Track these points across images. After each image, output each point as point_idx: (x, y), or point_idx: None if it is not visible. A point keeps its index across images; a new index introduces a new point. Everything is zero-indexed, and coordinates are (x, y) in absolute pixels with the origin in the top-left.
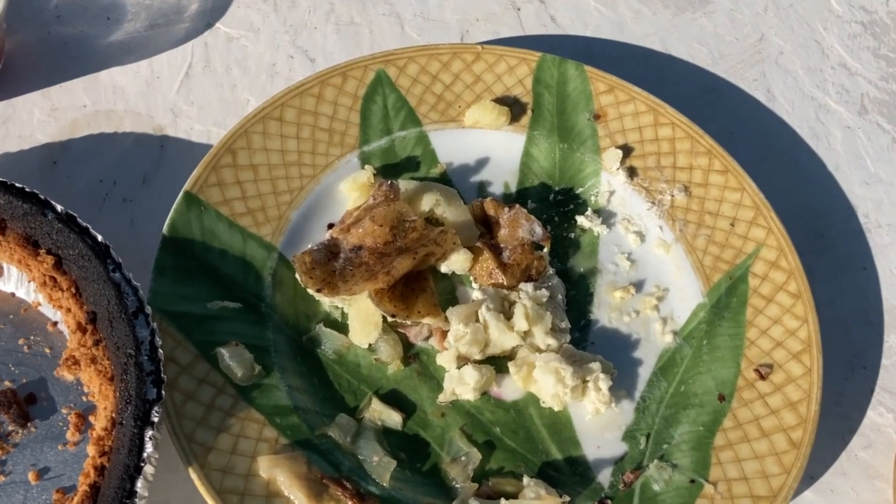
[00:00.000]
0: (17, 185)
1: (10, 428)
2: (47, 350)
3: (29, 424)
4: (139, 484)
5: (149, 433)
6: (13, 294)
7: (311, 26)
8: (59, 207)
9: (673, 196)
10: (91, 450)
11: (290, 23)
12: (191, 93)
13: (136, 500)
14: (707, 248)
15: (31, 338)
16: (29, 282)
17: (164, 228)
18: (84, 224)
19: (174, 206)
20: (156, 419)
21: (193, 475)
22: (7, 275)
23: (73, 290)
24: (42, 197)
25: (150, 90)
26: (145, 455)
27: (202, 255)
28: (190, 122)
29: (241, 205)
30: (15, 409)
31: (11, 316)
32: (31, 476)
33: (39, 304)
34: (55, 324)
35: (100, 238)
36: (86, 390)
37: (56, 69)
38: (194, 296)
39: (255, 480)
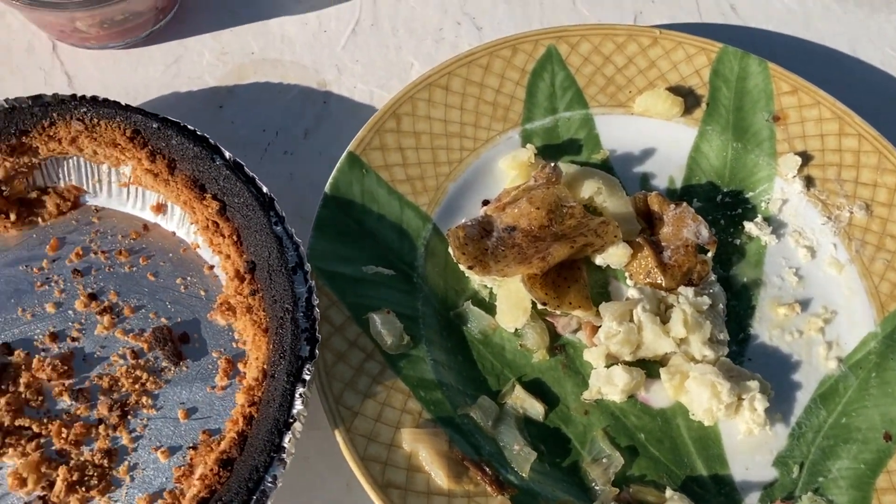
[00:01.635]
0: (188, 126)
1: (164, 364)
2: (202, 292)
3: (181, 363)
4: (287, 439)
5: (300, 390)
6: (173, 233)
7: None
8: (227, 154)
9: (852, 213)
10: (240, 398)
11: None
12: (357, 50)
13: (284, 454)
14: (885, 274)
15: (188, 278)
16: (191, 223)
17: (327, 187)
18: (251, 174)
19: (338, 165)
20: (307, 377)
21: (339, 438)
22: (170, 213)
23: (234, 237)
24: (212, 142)
25: (316, 43)
26: (295, 411)
27: (360, 217)
28: (354, 80)
29: (401, 171)
30: (170, 346)
31: (171, 254)
32: (180, 414)
33: (198, 247)
34: (211, 267)
35: (265, 189)
36: (236, 337)
37: (227, 13)
38: (350, 257)
39: (397, 451)
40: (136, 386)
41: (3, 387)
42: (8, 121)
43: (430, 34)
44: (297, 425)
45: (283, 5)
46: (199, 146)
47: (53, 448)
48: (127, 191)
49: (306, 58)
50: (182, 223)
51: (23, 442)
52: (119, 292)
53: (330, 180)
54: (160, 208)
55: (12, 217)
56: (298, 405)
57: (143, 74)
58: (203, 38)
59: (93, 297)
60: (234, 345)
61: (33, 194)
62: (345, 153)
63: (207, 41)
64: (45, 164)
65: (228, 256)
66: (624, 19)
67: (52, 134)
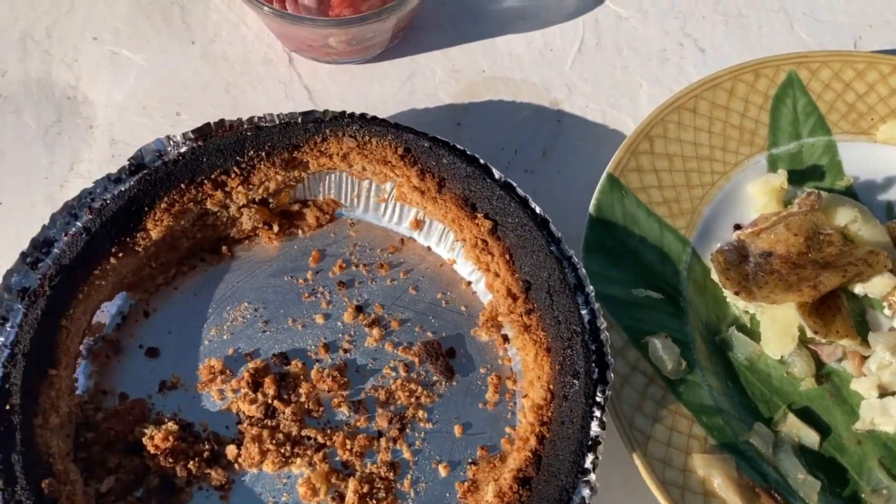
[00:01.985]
0: (458, 146)
1: (435, 378)
2: (463, 308)
3: (453, 378)
4: (588, 461)
5: (596, 412)
6: (429, 248)
7: (699, 14)
8: (497, 173)
9: None
10: (529, 416)
11: (679, 8)
12: (584, 69)
13: (588, 476)
14: None
15: (448, 293)
16: (456, 241)
17: (591, 208)
18: (523, 194)
19: (599, 186)
20: (600, 399)
21: (637, 462)
22: (427, 230)
23: (506, 256)
24: (482, 161)
25: (544, 61)
26: (593, 433)
27: (624, 239)
28: (584, 99)
29: (657, 193)
30: (441, 361)
31: (428, 269)
32: (456, 429)
33: (455, 263)
34: (469, 283)
35: (538, 210)
36: (500, 353)
37: (455, 31)
38: (619, 279)
39: (691, 476)
40: (412, 399)
41: (285, 396)
42: (282, 136)
43: (654, 55)
44: (600, 447)
45: (508, 24)
46: (470, 165)
47: (338, 459)
48: (385, 206)
49: (535, 76)
50: (442, 240)
51: (309, 452)
52: (384, 305)
53: (593, 202)
54: (418, 224)
55: (275, 228)
56: (595, 428)
57: (380, 90)
58: (434, 55)
59: (359, 309)
60: (499, 361)
61: (295, 207)
62: (604, 174)
63: (438, 58)
64: (308, 178)
65: (497, 275)
66: (843, 44)
67: (323, 150)
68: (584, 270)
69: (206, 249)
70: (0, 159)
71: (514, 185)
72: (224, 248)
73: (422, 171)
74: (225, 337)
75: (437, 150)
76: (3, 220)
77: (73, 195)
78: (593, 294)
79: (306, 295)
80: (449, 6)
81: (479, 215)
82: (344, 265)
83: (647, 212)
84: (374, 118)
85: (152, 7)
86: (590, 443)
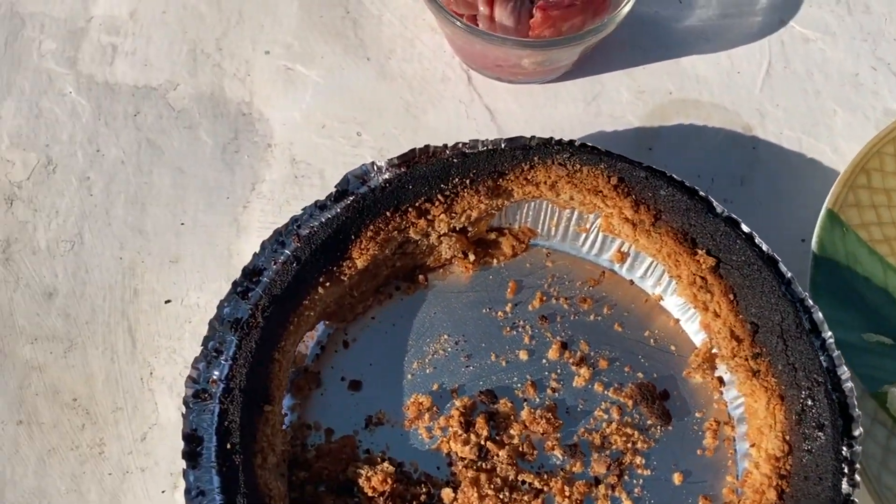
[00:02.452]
0: (675, 177)
1: (650, 422)
2: (672, 347)
3: (668, 422)
4: None
5: (845, 468)
6: (631, 282)
7: (890, 36)
8: (718, 207)
9: None
10: (763, 467)
11: (867, 30)
12: (774, 94)
13: None
14: None
15: (656, 331)
16: (670, 277)
17: (814, 246)
18: (747, 230)
19: (819, 222)
20: (846, 453)
21: None
22: (632, 263)
23: (729, 296)
24: (702, 194)
25: (732, 84)
26: (844, 492)
27: (849, 279)
28: (778, 125)
29: (877, 231)
30: (658, 404)
31: (633, 304)
32: (675, 477)
33: (661, 299)
34: (677, 321)
35: (765, 247)
36: (714, 396)
37: (637, 50)
38: (849, 323)
39: None
40: (628, 444)
41: (497, 437)
42: (488, 163)
43: (847, 80)
44: None
45: (691, 44)
46: (691, 199)
47: None
48: (585, 236)
49: (725, 99)
50: (648, 274)
51: (526, 498)
52: (589, 342)
53: (815, 239)
54: (622, 257)
55: (471, 257)
56: (846, 486)
57: (564, 111)
58: (616, 76)
59: (564, 345)
60: (714, 405)
61: (491, 235)
62: (824, 210)
63: (622, 78)
64: (507, 206)
65: (717, 315)
66: None
67: (530, 178)
68: (820, 314)
69: (402, 278)
70: (179, 176)
71: (739, 220)
72: (420, 276)
73: (636, 202)
74: (427, 371)
75: (654, 181)
76: (188, 240)
77: (255, 216)
78: (832, 340)
79: (507, 329)
80: (629, 25)
81: (700, 251)
82: (544, 298)
83: (869, 250)
84: (584, 145)
85: (324, 21)
86: (842, 502)
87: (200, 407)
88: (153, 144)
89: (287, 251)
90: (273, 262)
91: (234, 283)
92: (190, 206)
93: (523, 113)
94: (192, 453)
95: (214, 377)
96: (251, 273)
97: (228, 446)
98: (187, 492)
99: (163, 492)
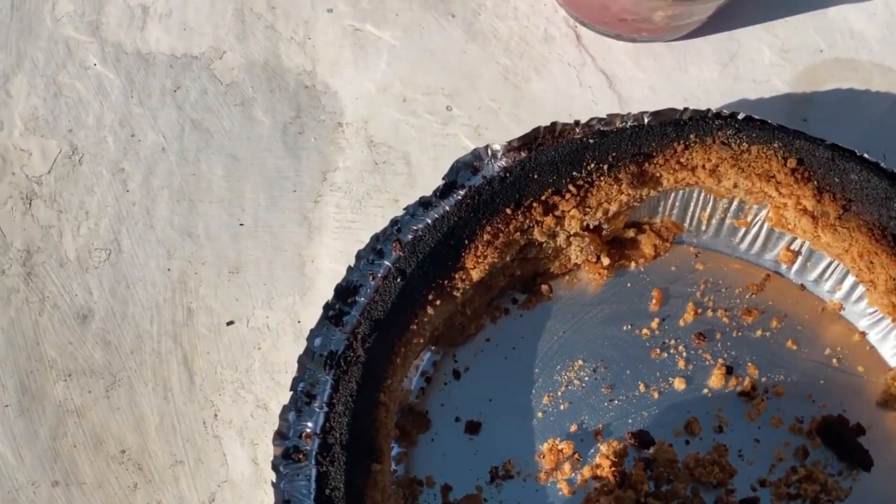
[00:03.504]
0: (869, 157)
1: (842, 466)
2: (860, 368)
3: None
4: None
5: None
6: (801, 286)
7: None
8: None
9: None
10: None
11: None
12: None
13: None
14: None
15: (838, 349)
16: (859, 281)
17: None
18: None
19: None
20: None
21: None
22: (804, 263)
23: None
24: None
25: (894, 38)
26: None
27: None
28: None
29: None
30: (849, 443)
31: (806, 315)
32: None
33: (842, 308)
34: (863, 334)
35: None
36: None
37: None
38: None
39: None
40: (820, 495)
41: (658, 491)
42: (631, 144)
43: None
44: None
45: None
46: (891, 184)
47: None
48: (744, 231)
49: (888, 57)
50: (825, 277)
51: None
52: (758, 365)
53: None
54: (792, 256)
55: (605, 261)
56: None
57: (697, 75)
58: (754, 31)
59: (729, 370)
60: None
61: (629, 233)
62: None
63: (761, 34)
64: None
65: None
66: None
67: (684, 161)
68: None
69: (520, 289)
70: (233, 165)
71: None
72: (543, 286)
73: (819, 189)
74: (562, 407)
75: (843, 163)
76: (249, 245)
77: (330, 213)
78: None
79: (656, 351)
80: None
81: None
82: (697, 310)
83: None
84: (751, 118)
85: None
86: None
87: (293, 470)
88: (199, 126)
89: (387, 262)
90: (370, 277)
91: (326, 306)
92: (249, 203)
93: (647, 78)
94: None
95: (308, 430)
96: (345, 292)
97: None
98: None
99: None
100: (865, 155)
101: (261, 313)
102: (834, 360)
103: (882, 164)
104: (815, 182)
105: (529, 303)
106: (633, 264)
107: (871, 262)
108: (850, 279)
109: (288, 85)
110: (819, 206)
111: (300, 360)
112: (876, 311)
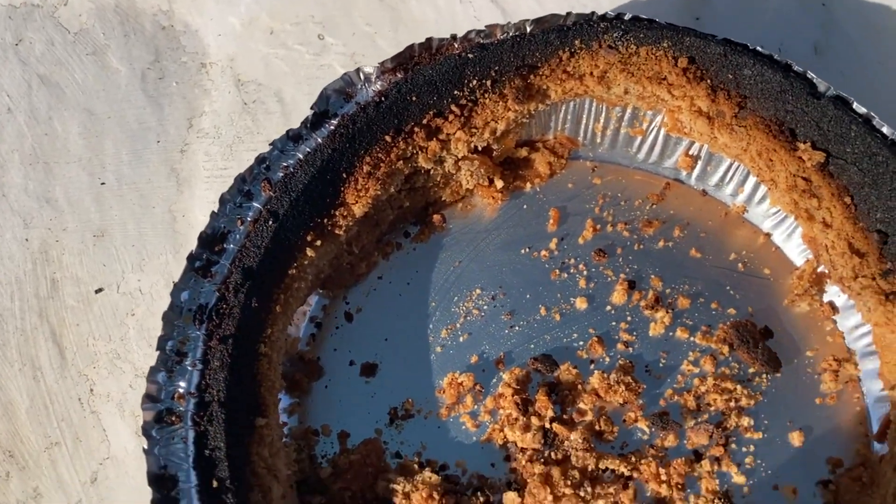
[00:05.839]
0: (762, 50)
1: (753, 371)
2: (766, 271)
3: (777, 369)
4: None
5: None
6: (703, 192)
7: None
8: (822, 85)
9: None
10: None
11: None
12: None
13: None
14: None
15: (743, 252)
16: (760, 181)
17: None
18: (864, 111)
19: None
20: None
21: None
22: (704, 168)
23: (844, 199)
24: (798, 69)
25: None
26: None
27: None
28: None
29: None
30: (760, 347)
31: (709, 221)
32: (793, 437)
33: (745, 211)
34: (767, 235)
35: (887, 131)
36: (830, 327)
37: None
38: None
39: None
40: (730, 403)
41: (565, 416)
42: (514, 55)
43: None
44: None
45: None
46: (785, 76)
47: (650, 495)
48: (640, 140)
49: None
50: (727, 180)
51: (613, 490)
52: (662, 277)
53: None
54: (691, 162)
55: (498, 184)
56: None
57: None
58: None
59: (631, 285)
60: (829, 339)
61: (521, 152)
62: None
63: None
64: (541, 111)
65: (827, 224)
66: None
67: (571, 70)
68: None
69: (411, 221)
70: (89, 120)
71: (850, 99)
72: (435, 216)
73: (713, 88)
74: (461, 339)
75: (736, 58)
76: (113, 205)
77: (199, 162)
78: None
79: (556, 272)
80: None
81: (801, 145)
82: (596, 226)
83: None
84: (638, 18)
85: None
86: None
87: (167, 434)
88: (48, 82)
89: (257, 204)
90: (239, 222)
91: (190, 257)
92: (110, 160)
93: None
94: (165, 501)
95: (181, 390)
96: (211, 240)
97: (214, 484)
98: None
99: None
100: (759, 48)
101: (132, 277)
102: (739, 265)
103: (776, 56)
104: (709, 80)
105: (422, 235)
106: (528, 185)
107: (771, 160)
108: (752, 180)
109: (143, 27)
110: (714, 106)
111: (165, 316)
112: (779, 210)
